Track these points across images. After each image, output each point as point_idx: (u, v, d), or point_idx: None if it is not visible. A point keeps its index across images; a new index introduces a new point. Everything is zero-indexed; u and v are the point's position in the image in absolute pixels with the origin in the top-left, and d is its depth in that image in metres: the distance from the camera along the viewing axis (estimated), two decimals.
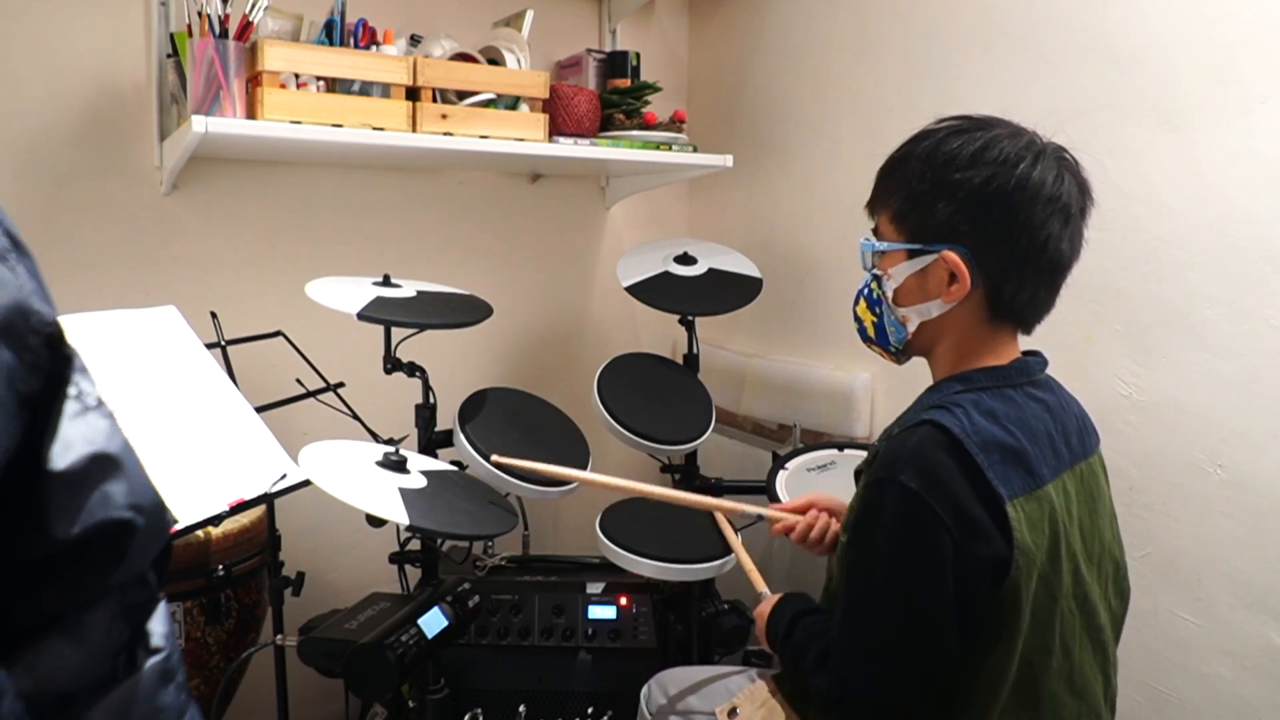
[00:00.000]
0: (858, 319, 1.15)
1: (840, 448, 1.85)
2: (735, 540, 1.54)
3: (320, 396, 1.64)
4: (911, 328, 1.08)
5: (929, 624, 0.94)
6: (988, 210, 0.99)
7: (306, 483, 1.34)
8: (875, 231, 1.12)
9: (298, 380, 1.63)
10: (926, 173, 1.02)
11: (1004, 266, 1.01)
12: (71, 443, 0.44)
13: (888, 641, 0.96)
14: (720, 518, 1.61)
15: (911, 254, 1.05)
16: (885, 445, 1.01)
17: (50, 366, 0.44)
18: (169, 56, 1.79)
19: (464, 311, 1.70)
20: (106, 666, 0.46)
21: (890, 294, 1.08)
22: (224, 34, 1.56)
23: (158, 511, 0.48)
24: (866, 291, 1.13)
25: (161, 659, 0.48)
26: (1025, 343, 1.11)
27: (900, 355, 1.13)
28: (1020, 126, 1.04)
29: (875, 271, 1.11)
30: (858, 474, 1.13)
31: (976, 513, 0.92)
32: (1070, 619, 1.00)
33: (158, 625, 0.49)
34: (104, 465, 0.45)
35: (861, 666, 0.98)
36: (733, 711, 1.22)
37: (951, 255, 1.00)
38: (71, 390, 0.45)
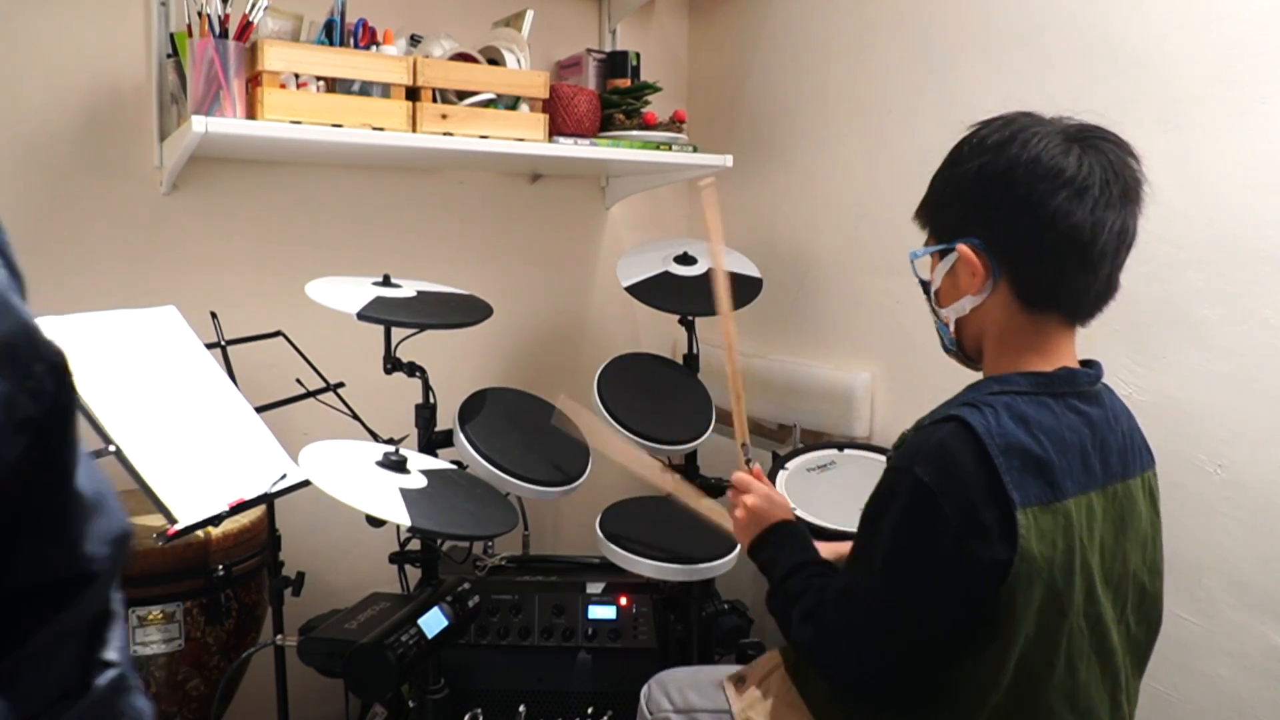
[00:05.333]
0: (936, 330, 1.17)
1: (840, 448, 1.85)
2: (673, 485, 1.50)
3: (320, 396, 1.64)
4: (951, 327, 1.09)
5: (918, 619, 0.96)
6: (985, 195, 1.01)
7: (306, 483, 1.34)
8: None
9: (298, 380, 1.63)
10: (942, 174, 1.07)
11: (1016, 250, 1.01)
12: (84, 476, 0.44)
13: (877, 627, 0.99)
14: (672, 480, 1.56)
15: (941, 255, 1.08)
16: (914, 434, 1.01)
17: (55, 395, 0.43)
18: (169, 56, 1.79)
19: (464, 311, 1.70)
20: (63, 685, 0.46)
21: (932, 298, 1.12)
22: (224, 34, 1.57)
23: (125, 543, 0.48)
24: (927, 302, 1.15)
25: (115, 675, 0.48)
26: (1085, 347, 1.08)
27: (966, 360, 1.13)
28: (1038, 115, 1.03)
29: (924, 279, 1.14)
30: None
31: (985, 515, 0.92)
32: (1080, 638, 0.98)
33: (113, 638, 0.49)
34: (98, 501, 0.45)
35: (851, 643, 1.01)
36: (740, 680, 1.26)
37: (963, 247, 1.02)
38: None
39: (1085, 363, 1.07)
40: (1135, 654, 1.08)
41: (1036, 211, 0.98)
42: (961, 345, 1.10)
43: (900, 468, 0.97)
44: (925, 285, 1.13)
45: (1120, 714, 1.04)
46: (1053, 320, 1.04)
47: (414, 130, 1.73)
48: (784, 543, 1.20)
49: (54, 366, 0.43)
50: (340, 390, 1.67)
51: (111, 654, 0.48)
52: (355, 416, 1.66)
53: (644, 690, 1.42)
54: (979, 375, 1.09)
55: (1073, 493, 0.97)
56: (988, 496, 0.92)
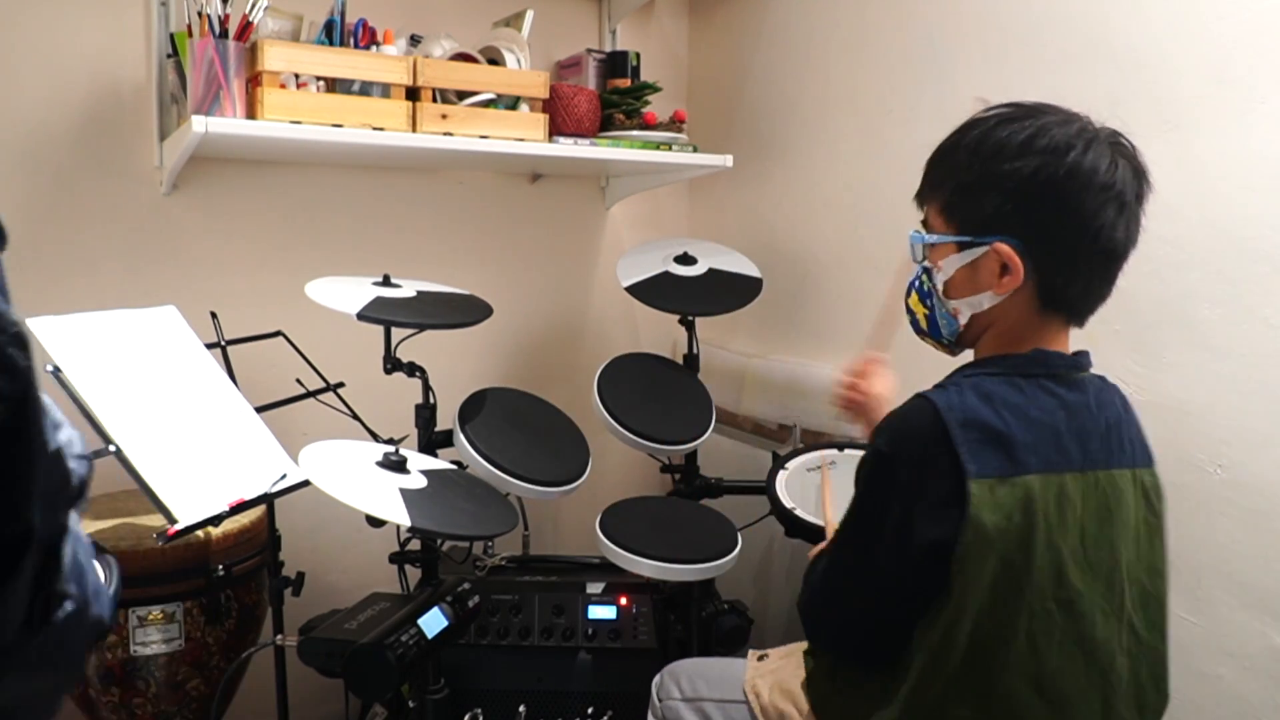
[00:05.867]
0: (910, 311, 1.15)
1: (840, 448, 1.85)
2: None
3: (320, 396, 1.64)
4: (963, 320, 1.07)
5: (871, 582, 1.02)
6: (1039, 200, 0.98)
7: (306, 483, 1.34)
8: (925, 223, 1.10)
9: (298, 380, 1.63)
10: (974, 163, 1.01)
11: (1056, 257, 1.00)
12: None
13: (839, 590, 1.07)
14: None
15: (961, 246, 1.03)
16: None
17: (24, 368, 0.43)
18: (169, 56, 1.79)
19: (464, 311, 1.70)
20: (23, 616, 0.46)
21: (940, 286, 1.07)
22: (224, 34, 1.56)
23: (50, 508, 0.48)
24: (917, 284, 1.12)
25: (73, 608, 0.49)
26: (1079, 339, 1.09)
27: (953, 347, 1.13)
28: (1072, 112, 1.03)
29: (925, 264, 1.09)
30: None
31: (940, 485, 0.94)
32: (1045, 620, 0.97)
33: (66, 564, 0.49)
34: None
35: (819, 605, 1.11)
36: (763, 656, 1.36)
37: (1004, 247, 0.99)
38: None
39: (1075, 354, 1.08)
40: (1149, 660, 1.04)
41: (1087, 224, 0.98)
42: (961, 336, 1.09)
43: (870, 443, 1.04)
44: (928, 271, 1.08)
45: (1114, 715, 1.01)
46: (1058, 320, 1.05)
47: (414, 130, 1.73)
48: None
49: (14, 337, 0.43)
50: (340, 390, 1.67)
51: (68, 585, 0.49)
52: (355, 416, 1.66)
53: (656, 680, 1.44)
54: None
55: (1036, 469, 0.96)
56: (942, 466, 0.94)
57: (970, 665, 0.96)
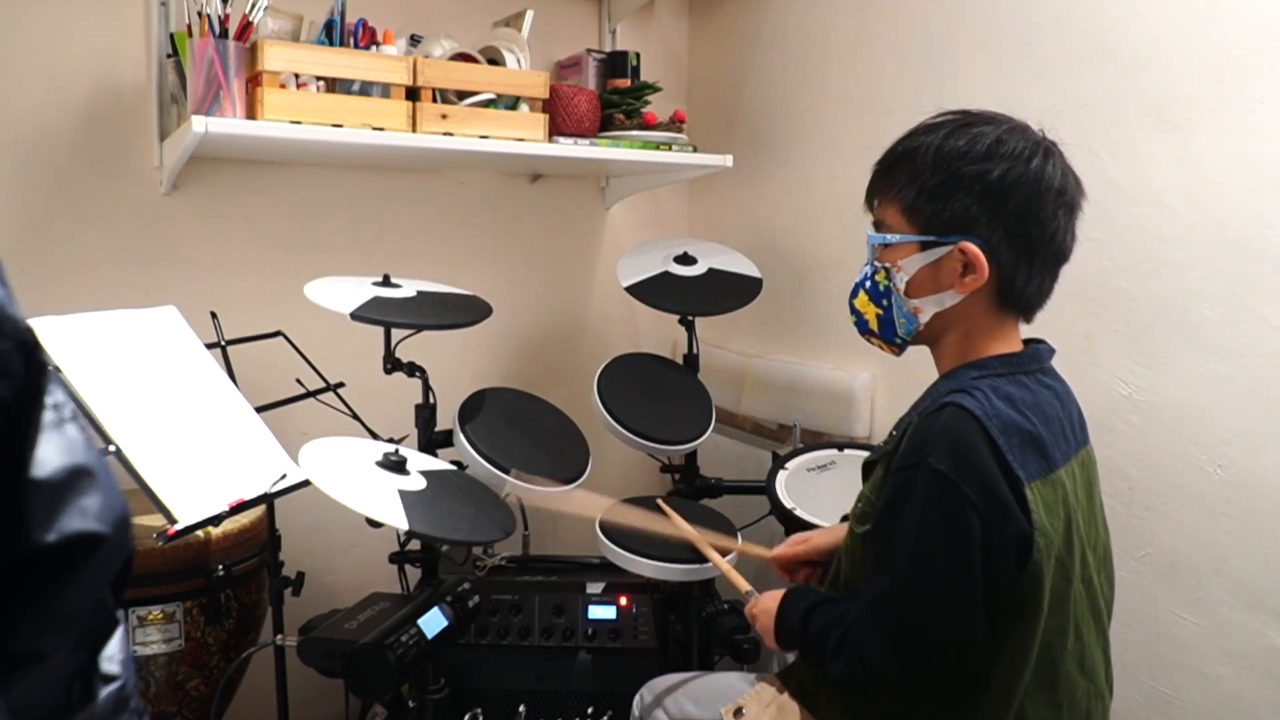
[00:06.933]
0: (856, 311, 1.16)
1: (840, 448, 1.85)
2: (711, 551, 1.50)
3: (320, 396, 1.64)
4: (924, 318, 1.09)
5: (957, 604, 0.95)
6: (1004, 203, 1.02)
7: (306, 483, 1.34)
8: (878, 224, 1.13)
9: (298, 380, 1.63)
10: (940, 165, 1.04)
11: (1016, 258, 1.03)
12: (51, 453, 0.43)
13: (916, 622, 0.98)
14: (701, 542, 1.52)
15: (924, 246, 1.06)
16: (912, 431, 1.02)
17: (24, 374, 0.42)
18: (169, 56, 1.79)
19: (462, 311, 1.70)
20: (62, 695, 0.45)
21: (902, 286, 1.09)
22: (224, 34, 1.56)
23: (124, 527, 0.47)
24: (869, 285, 1.13)
25: (117, 688, 0.47)
26: (1025, 331, 1.13)
27: (902, 347, 1.15)
28: (1018, 120, 1.07)
29: (883, 264, 1.11)
30: (868, 465, 1.14)
31: (1002, 493, 0.95)
32: (1080, 601, 1.03)
33: (115, 650, 0.48)
34: (80, 477, 0.44)
35: (889, 649, 0.99)
36: (739, 711, 1.20)
37: (970, 246, 1.02)
38: (49, 400, 0.44)
39: (1032, 341, 1.12)
40: (1108, 610, 1.12)
41: (1045, 226, 1.03)
42: (918, 335, 1.11)
43: (911, 465, 0.98)
44: (886, 271, 1.09)
45: (1109, 670, 1.10)
46: (1013, 316, 1.10)
47: (414, 130, 1.73)
48: (791, 604, 1.17)
49: (21, 344, 0.42)
50: (340, 390, 1.67)
51: (113, 667, 0.48)
52: (355, 416, 1.66)
53: (636, 699, 1.41)
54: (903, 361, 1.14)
55: (1061, 463, 1.02)
56: (997, 474, 0.95)
57: (1040, 664, 0.99)
